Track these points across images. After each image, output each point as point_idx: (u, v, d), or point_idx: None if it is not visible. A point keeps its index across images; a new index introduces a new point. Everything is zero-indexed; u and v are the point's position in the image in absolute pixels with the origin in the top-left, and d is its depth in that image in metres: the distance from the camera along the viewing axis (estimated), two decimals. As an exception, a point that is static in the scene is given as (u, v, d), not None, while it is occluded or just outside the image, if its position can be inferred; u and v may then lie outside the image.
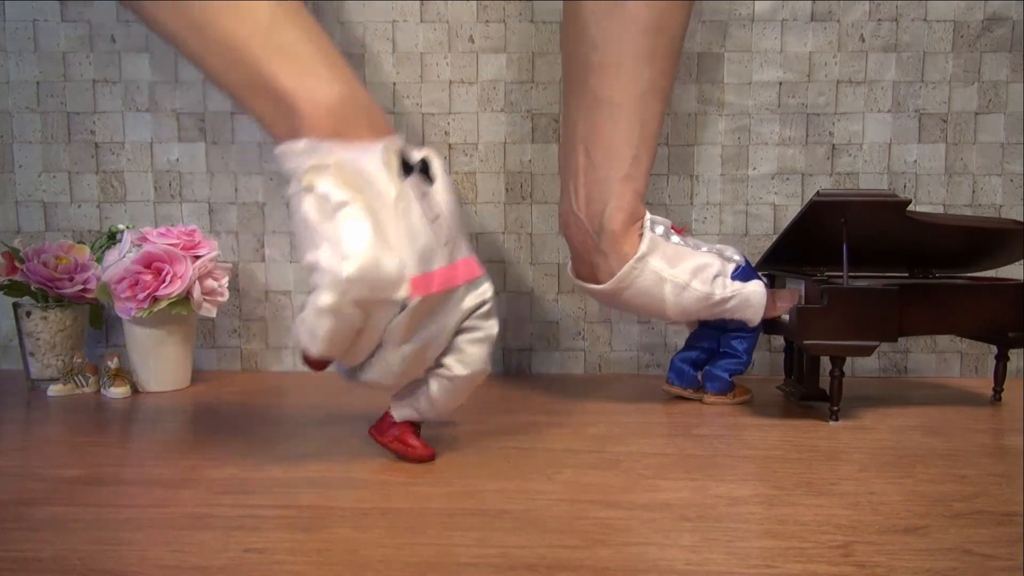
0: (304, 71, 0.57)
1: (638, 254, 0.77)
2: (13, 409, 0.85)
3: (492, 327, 0.62)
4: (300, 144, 0.56)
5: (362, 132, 0.58)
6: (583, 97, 0.79)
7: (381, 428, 0.66)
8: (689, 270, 0.78)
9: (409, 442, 0.65)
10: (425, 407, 0.64)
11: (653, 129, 0.79)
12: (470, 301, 0.60)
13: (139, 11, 0.62)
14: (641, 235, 0.78)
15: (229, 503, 0.54)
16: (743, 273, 0.80)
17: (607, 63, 0.77)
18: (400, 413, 0.65)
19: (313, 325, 0.54)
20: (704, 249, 0.80)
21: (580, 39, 0.78)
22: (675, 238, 0.80)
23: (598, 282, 0.80)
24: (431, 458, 0.65)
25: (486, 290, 0.62)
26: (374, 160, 0.57)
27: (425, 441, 0.66)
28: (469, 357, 0.61)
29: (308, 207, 0.55)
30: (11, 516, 0.52)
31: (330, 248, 0.54)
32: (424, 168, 0.60)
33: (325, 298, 0.53)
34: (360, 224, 0.54)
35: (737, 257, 0.81)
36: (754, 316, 0.80)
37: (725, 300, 0.78)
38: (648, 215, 0.79)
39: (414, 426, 0.66)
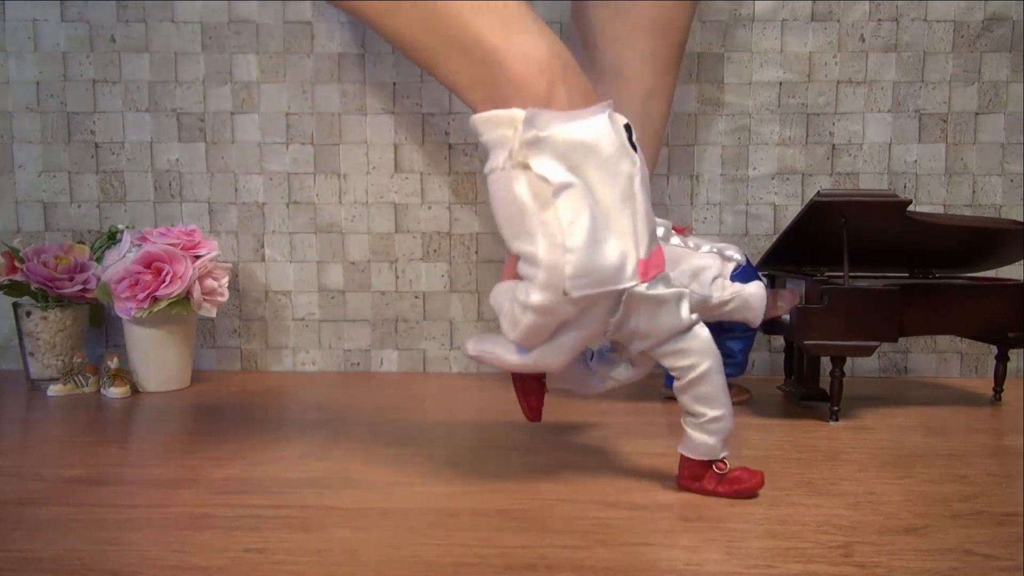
0: (511, 27, 0.51)
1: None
2: (13, 409, 0.85)
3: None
4: (508, 113, 0.49)
5: (575, 97, 0.51)
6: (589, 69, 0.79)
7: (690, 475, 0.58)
8: (687, 273, 0.78)
9: (735, 475, 0.57)
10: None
11: (655, 129, 0.79)
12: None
13: None
14: None
15: (229, 503, 0.54)
16: (743, 272, 0.80)
17: (610, 67, 0.77)
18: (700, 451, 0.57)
19: (516, 316, 0.50)
20: (704, 249, 0.80)
21: (586, 42, 0.78)
22: (675, 239, 0.80)
23: None
24: (762, 484, 0.57)
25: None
26: (602, 131, 0.49)
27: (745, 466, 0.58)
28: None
29: (522, 189, 0.48)
30: (11, 516, 0.52)
31: (548, 241, 0.48)
32: (628, 133, 0.52)
33: (537, 297, 0.48)
34: (583, 212, 0.48)
35: (738, 256, 0.81)
36: (755, 318, 0.80)
37: (724, 303, 0.78)
38: None
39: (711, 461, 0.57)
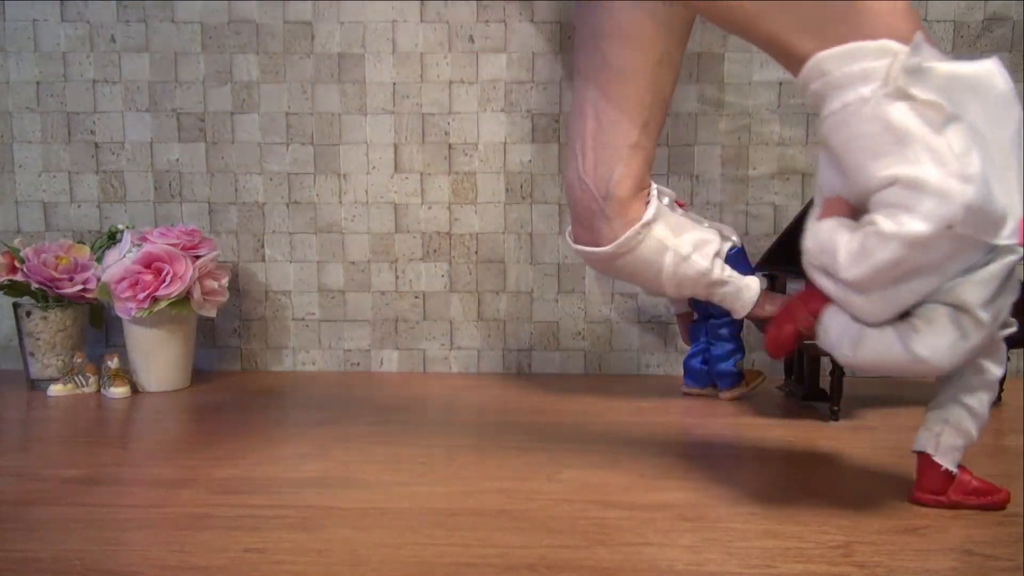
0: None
1: (643, 220, 0.77)
2: (13, 409, 0.85)
3: None
4: (878, 43, 0.48)
5: (928, 45, 0.48)
6: (595, 62, 0.78)
7: (931, 487, 0.54)
8: (691, 242, 0.78)
9: (977, 487, 0.54)
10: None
11: (664, 97, 0.79)
12: None
13: None
14: (647, 203, 0.78)
15: (229, 503, 0.54)
16: (737, 255, 0.80)
17: (622, 30, 0.76)
18: (949, 458, 0.54)
19: (870, 249, 0.46)
20: (705, 224, 0.81)
21: (596, 8, 0.78)
22: (678, 211, 0.81)
23: (598, 247, 0.80)
24: (1008, 500, 0.54)
25: None
26: (994, 71, 0.47)
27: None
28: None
29: (901, 113, 0.46)
30: (11, 516, 0.52)
31: (940, 166, 0.44)
32: None
33: (919, 226, 0.44)
34: (974, 148, 0.45)
35: (734, 238, 0.82)
36: (741, 309, 0.80)
37: (722, 282, 0.78)
38: (654, 184, 0.80)
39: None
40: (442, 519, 0.51)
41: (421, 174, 1.03)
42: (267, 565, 0.44)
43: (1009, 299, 0.47)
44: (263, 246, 1.05)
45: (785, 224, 0.88)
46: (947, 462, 0.53)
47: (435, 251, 1.04)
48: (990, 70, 0.47)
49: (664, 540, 0.48)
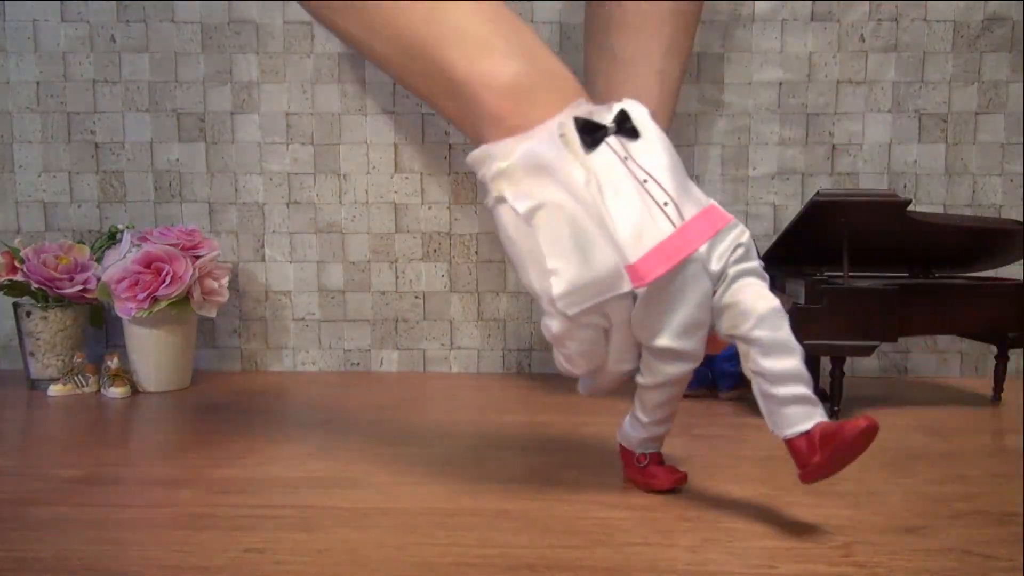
0: (477, 53, 0.49)
1: None
2: (13, 409, 0.85)
3: (752, 266, 0.51)
4: (484, 149, 0.49)
5: (547, 108, 0.49)
6: (603, 55, 0.79)
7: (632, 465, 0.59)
8: None
9: (655, 472, 0.58)
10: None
11: (672, 86, 0.79)
12: (717, 262, 0.50)
13: (321, 19, 0.56)
14: None
15: (229, 503, 0.54)
16: None
17: (630, 21, 0.77)
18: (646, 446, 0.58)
19: (560, 353, 0.50)
20: None
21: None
22: None
23: None
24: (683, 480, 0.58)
25: (739, 234, 0.51)
26: (551, 144, 0.49)
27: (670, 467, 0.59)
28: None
29: (506, 222, 0.49)
30: (11, 516, 0.52)
31: (536, 269, 0.48)
32: (622, 123, 0.51)
33: (552, 325, 0.48)
34: (557, 229, 0.47)
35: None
36: None
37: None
38: None
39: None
40: (442, 519, 0.51)
41: (421, 174, 1.03)
42: (267, 565, 0.44)
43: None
44: (263, 246, 1.05)
45: (785, 224, 0.88)
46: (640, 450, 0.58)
47: (435, 251, 1.04)
48: (542, 150, 0.48)
49: (664, 540, 0.48)
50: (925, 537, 0.48)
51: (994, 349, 0.86)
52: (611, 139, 0.50)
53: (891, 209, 0.76)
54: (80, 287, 0.91)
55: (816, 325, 0.75)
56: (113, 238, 0.96)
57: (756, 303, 0.50)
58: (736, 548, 0.47)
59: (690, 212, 0.49)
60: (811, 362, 0.84)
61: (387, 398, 0.90)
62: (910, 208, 0.76)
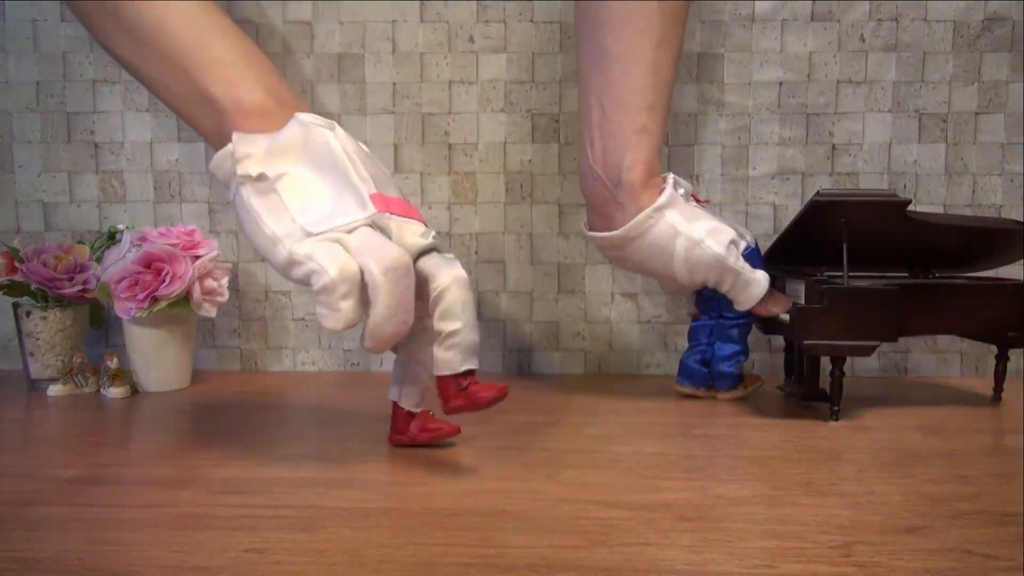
0: (232, 80, 0.63)
1: (656, 204, 0.77)
2: (13, 409, 0.85)
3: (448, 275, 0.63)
4: (225, 149, 0.60)
5: (283, 125, 0.62)
6: (595, 52, 0.79)
7: (399, 429, 0.66)
8: (705, 229, 0.78)
9: (430, 426, 0.66)
10: (426, 375, 0.64)
11: (666, 79, 0.79)
12: (420, 239, 0.62)
13: (100, 42, 0.70)
14: (661, 190, 0.78)
15: (229, 503, 0.54)
16: (751, 256, 0.80)
17: (618, 17, 0.77)
18: (410, 401, 0.66)
19: (322, 303, 0.55)
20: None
21: None
22: (695, 205, 0.81)
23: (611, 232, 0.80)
24: (458, 431, 0.66)
25: (427, 233, 0.64)
26: (293, 127, 0.60)
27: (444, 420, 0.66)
28: (448, 264, 0.63)
29: (246, 195, 0.59)
30: (11, 516, 0.52)
31: (277, 217, 0.57)
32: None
33: (298, 249, 0.55)
34: (298, 183, 0.58)
35: (749, 238, 0.82)
36: (745, 302, 0.80)
37: (734, 271, 0.79)
38: (671, 175, 0.80)
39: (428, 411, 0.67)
40: (442, 519, 0.51)
41: (421, 174, 1.03)
42: (267, 565, 0.44)
43: None
44: (263, 246, 1.04)
45: (785, 224, 0.88)
46: (409, 405, 0.66)
47: (435, 251, 1.04)
48: (293, 132, 0.60)
49: (664, 540, 0.48)
50: (925, 537, 0.48)
51: (994, 349, 0.86)
52: (337, 130, 0.62)
53: (891, 209, 0.76)
54: (80, 287, 0.91)
55: (816, 325, 0.75)
56: (113, 238, 0.96)
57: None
58: (736, 548, 0.47)
59: (393, 195, 0.63)
60: (811, 362, 0.85)
61: (387, 398, 0.90)
62: (910, 208, 0.76)
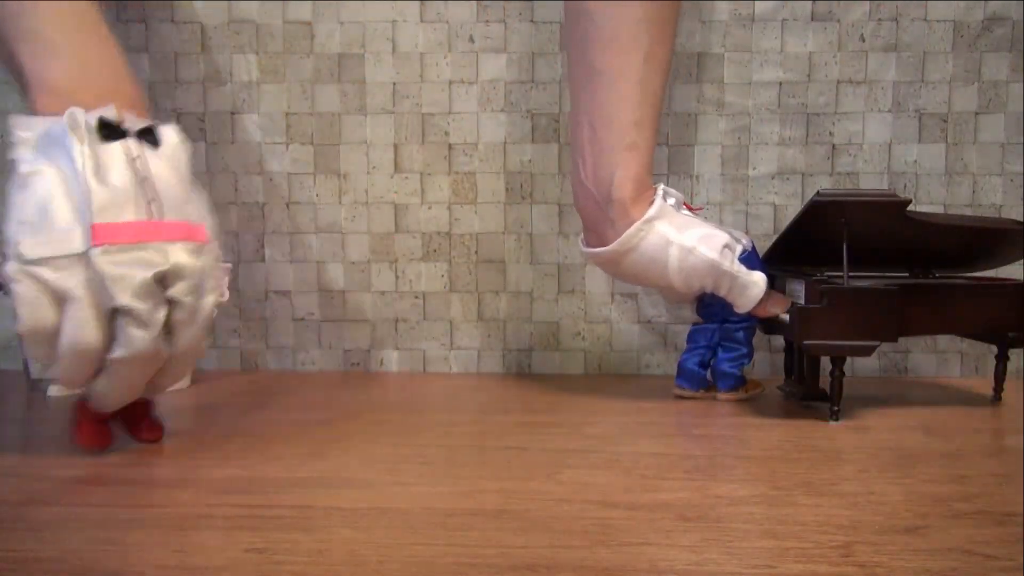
0: (38, 52, 0.61)
1: (645, 217, 0.78)
2: (13, 409, 0.85)
3: (150, 313, 0.58)
4: (14, 118, 0.59)
5: (83, 106, 0.59)
6: (583, 71, 0.80)
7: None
8: (696, 236, 0.78)
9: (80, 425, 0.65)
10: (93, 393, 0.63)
11: (655, 94, 0.80)
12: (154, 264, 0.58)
13: None
14: (651, 203, 0.79)
15: (229, 503, 0.54)
16: (748, 260, 0.81)
17: (604, 34, 0.78)
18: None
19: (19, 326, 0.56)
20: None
21: (580, 13, 0.79)
22: (687, 213, 0.81)
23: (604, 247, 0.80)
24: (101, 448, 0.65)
25: (176, 263, 0.60)
26: (61, 125, 0.58)
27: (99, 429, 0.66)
28: (125, 336, 0.58)
29: (12, 178, 0.58)
30: (11, 516, 0.52)
31: (17, 217, 0.56)
32: (147, 134, 0.63)
33: (10, 270, 0.55)
34: (43, 188, 0.56)
35: (744, 241, 0.82)
36: (745, 304, 0.80)
37: (730, 275, 0.79)
38: (662, 186, 0.80)
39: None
40: (442, 519, 0.51)
41: (421, 174, 1.03)
42: (267, 565, 0.44)
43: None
44: (263, 246, 1.05)
45: (785, 224, 0.88)
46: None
47: (435, 251, 1.04)
48: (60, 130, 0.58)
49: (664, 540, 0.48)
50: (925, 537, 0.48)
51: (994, 349, 0.86)
52: (128, 140, 0.60)
53: (891, 209, 0.76)
54: (80, 287, 0.91)
55: (816, 325, 0.75)
56: (113, 238, 0.95)
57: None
58: (736, 548, 0.47)
59: (172, 217, 0.61)
60: (811, 362, 0.85)
61: (387, 398, 0.90)
62: (910, 208, 0.76)
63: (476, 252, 1.04)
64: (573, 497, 0.56)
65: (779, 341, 1.02)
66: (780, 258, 0.87)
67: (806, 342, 0.76)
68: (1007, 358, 0.86)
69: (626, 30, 0.77)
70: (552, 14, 1.00)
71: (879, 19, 0.99)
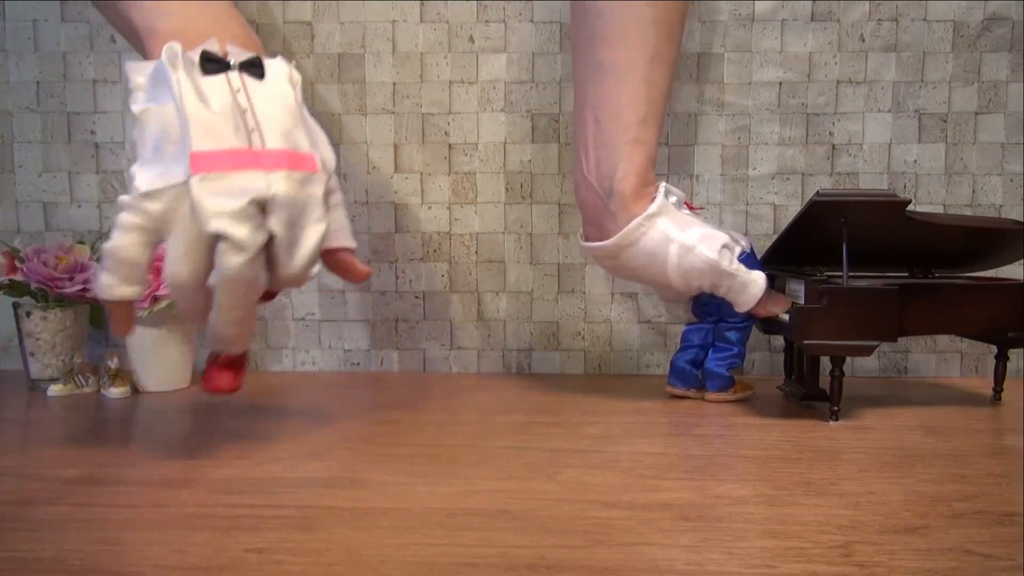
0: (149, 7, 0.63)
1: (647, 212, 0.78)
2: (13, 409, 0.85)
3: (246, 239, 0.57)
4: (130, 64, 0.61)
5: (189, 45, 0.60)
6: (590, 67, 0.80)
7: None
8: (697, 235, 0.78)
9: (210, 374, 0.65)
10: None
11: (660, 92, 0.80)
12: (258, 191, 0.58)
13: None
14: (653, 199, 0.79)
15: (229, 503, 0.54)
16: (746, 261, 0.81)
17: (612, 32, 0.78)
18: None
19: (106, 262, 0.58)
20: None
21: (588, 10, 0.79)
22: (687, 212, 0.81)
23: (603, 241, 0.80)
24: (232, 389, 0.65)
25: (272, 185, 0.58)
26: (161, 63, 0.59)
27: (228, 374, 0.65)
28: (221, 262, 0.57)
29: (135, 121, 0.59)
30: (11, 516, 0.52)
31: (139, 153, 0.58)
32: (252, 67, 0.62)
33: (123, 199, 0.57)
34: (153, 124, 0.58)
35: (744, 243, 0.82)
36: (744, 303, 0.80)
37: (729, 274, 0.79)
38: (663, 184, 0.80)
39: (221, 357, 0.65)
40: (442, 519, 0.51)
41: (421, 174, 1.03)
42: (267, 565, 0.44)
43: None
44: (263, 246, 1.04)
45: (785, 224, 0.88)
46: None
47: (435, 251, 1.04)
48: (160, 68, 0.59)
49: (664, 540, 0.48)
50: (925, 537, 0.48)
51: (994, 349, 0.86)
52: (230, 72, 0.60)
53: (891, 209, 0.76)
54: (80, 287, 0.91)
55: (816, 325, 0.75)
56: (113, 238, 0.95)
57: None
58: (736, 548, 0.47)
59: (276, 145, 0.59)
60: (811, 362, 0.85)
61: (387, 398, 0.90)
62: (910, 208, 0.76)
63: (476, 252, 1.04)
64: (573, 497, 0.56)
65: (779, 341, 1.02)
66: (780, 258, 0.87)
67: (806, 342, 0.76)
68: (1007, 358, 0.86)
69: (635, 29, 0.77)
70: (552, 14, 1.00)
71: (879, 19, 0.99)
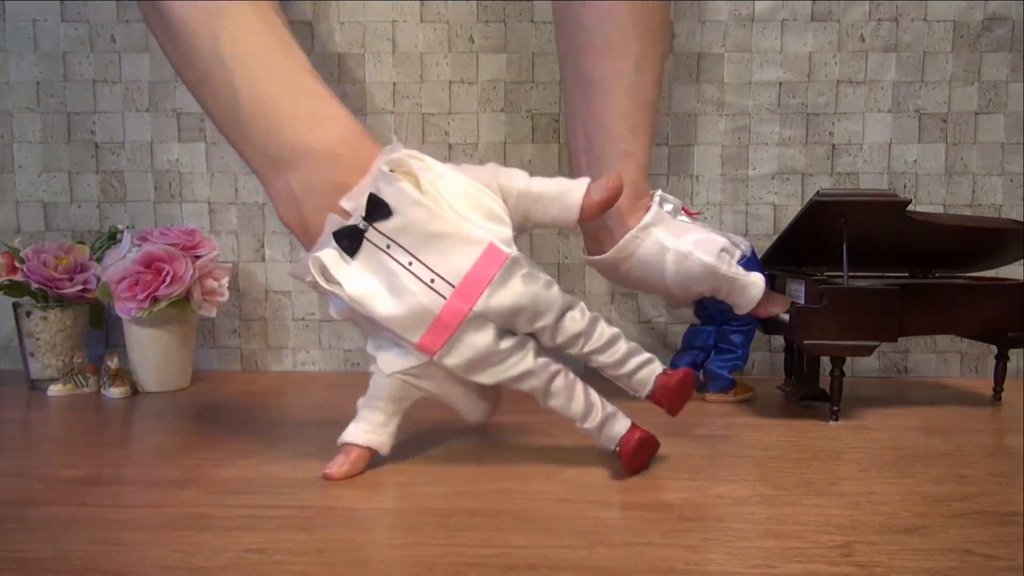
0: (310, 123, 0.61)
1: (641, 223, 0.77)
2: (13, 409, 0.85)
3: (519, 361, 0.64)
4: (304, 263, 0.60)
5: (329, 207, 0.59)
6: (576, 80, 0.80)
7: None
8: (692, 241, 0.78)
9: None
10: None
11: (649, 97, 0.79)
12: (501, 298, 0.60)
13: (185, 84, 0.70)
14: (648, 209, 0.79)
15: (229, 503, 0.54)
16: (747, 264, 0.80)
17: (595, 43, 0.78)
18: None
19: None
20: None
21: (570, 22, 0.79)
22: (684, 219, 0.81)
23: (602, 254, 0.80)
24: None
25: (517, 263, 0.59)
26: (327, 251, 0.58)
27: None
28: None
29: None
30: (11, 516, 0.52)
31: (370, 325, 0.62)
32: (372, 213, 0.57)
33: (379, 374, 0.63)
34: (363, 324, 0.61)
35: (744, 246, 0.82)
36: (745, 304, 0.80)
37: (728, 278, 0.78)
38: (659, 192, 0.80)
39: None
40: (442, 519, 0.51)
41: (421, 174, 1.03)
42: (267, 565, 0.44)
43: None
44: (263, 246, 1.05)
45: (785, 224, 0.88)
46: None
47: (435, 251, 1.04)
48: (330, 257, 0.59)
49: (664, 540, 0.48)
50: (925, 537, 0.48)
51: (994, 349, 0.86)
52: (369, 234, 0.57)
53: (891, 209, 0.76)
54: (80, 287, 0.92)
55: (816, 325, 0.75)
56: (113, 238, 0.96)
57: (575, 326, 0.64)
58: (736, 548, 0.47)
59: (446, 273, 0.57)
60: (811, 362, 0.85)
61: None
62: (910, 208, 0.76)
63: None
64: (573, 497, 0.56)
65: (779, 341, 1.02)
66: (780, 258, 0.87)
67: (806, 342, 0.76)
68: (1007, 358, 0.86)
69: (616, 37, 0.77)
70: (552, 14, 1.00)
71: (879, 19, 0.99)
